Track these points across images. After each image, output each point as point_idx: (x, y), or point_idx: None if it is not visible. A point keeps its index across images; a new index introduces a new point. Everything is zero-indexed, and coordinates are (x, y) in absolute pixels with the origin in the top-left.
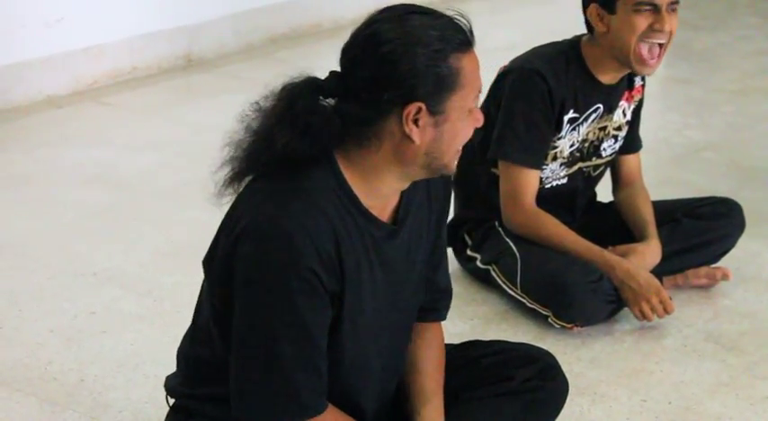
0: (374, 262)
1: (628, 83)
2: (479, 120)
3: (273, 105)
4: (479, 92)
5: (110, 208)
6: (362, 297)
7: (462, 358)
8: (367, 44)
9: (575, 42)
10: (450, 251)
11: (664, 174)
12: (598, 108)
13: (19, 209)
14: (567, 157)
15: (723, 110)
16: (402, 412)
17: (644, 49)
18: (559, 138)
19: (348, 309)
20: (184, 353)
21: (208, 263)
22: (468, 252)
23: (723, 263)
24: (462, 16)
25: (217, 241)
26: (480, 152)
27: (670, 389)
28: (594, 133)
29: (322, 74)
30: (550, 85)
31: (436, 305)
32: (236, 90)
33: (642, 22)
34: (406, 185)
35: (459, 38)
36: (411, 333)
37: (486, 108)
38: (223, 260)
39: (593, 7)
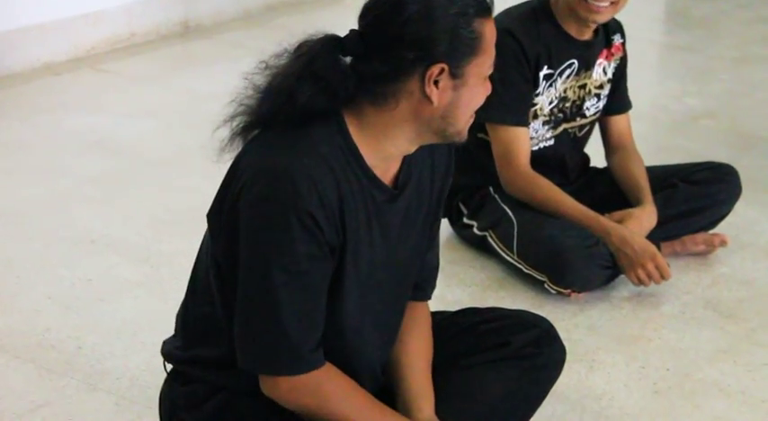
0: (373, 223)
1: (605, 40)
2: (489, 89)
3: (292, 62)
4: (494, 59)
5: (108, 175)
6: (360, 257)
7: (459, 325)
8: (393, 4)
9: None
10: (445, 220)
11: (662, 141)
12: (572, 63)
13: (17, 176)
14: (548, 115)
15: (722, 77)
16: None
17: (587, 5)
18: (537, 95)
19: (348, 266)
20: (183, 314)
21: (213, 214)
22: (465, 220)
23: (721, 229)
24: None
25: (222, 192)
26: None
27: (668, 356)
28: (575, 92)
29: None
30: (522, 42)
31: (422, 284)
32: (235, 57)
33: None
34: (413, 149)
35: (483, 3)
36: (405, 307)
37: None
38: (229, 208)
39: None
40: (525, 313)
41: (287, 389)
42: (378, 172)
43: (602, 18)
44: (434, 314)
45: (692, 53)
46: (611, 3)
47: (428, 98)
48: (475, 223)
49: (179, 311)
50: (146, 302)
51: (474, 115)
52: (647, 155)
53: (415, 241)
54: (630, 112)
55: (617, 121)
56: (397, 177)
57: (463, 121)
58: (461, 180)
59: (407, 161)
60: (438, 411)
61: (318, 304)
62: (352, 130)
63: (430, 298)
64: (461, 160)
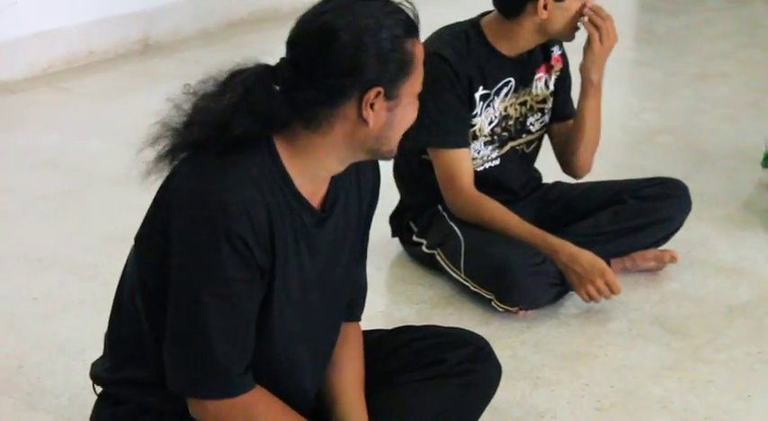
0: (302, 246)
1: (543, 54)
2: (417, 105)
3: (225, 92)
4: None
5: (58, 193)
6: (289, 279)
7: (394, 342)
8: (322, 34)
9: (475, 21)
10: (396, 238)
11: (619, 158)
12: (509, 81)
13: None
14: (489, 135)
15: (681, 93)
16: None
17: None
18: (475, 116)
19: (277, 289)
20: (108, 336)
21: (142, 237)
22: (414, 238)
23: (672, 246)
24: (409, 2)
25: (151, 215)
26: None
27: (613, 373)
28: (516, 109)
29: (277, 59)
30: (453, 64)
31: (351, 304)
32: (195, 75)
33: (577, 2)
34: (342, 169)
35: (411, 23)
36: (338, 330)
37: None
38: (159, 231)
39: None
40: (461, 330)
41: (215, 412)
42: (306, 193)
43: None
44: (370, 332)
45: (654, 69)
46: None
47: (365, 121)
48: (424, 241)
49: (106, 333)
50: (91, 320)
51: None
52: (605, 172)
53: (346, 262)
54: None
55: (561, 127)
56: (324, 199)
57: (395, 140)
58: (410, 199)
59: (334, 183)
60: None
61: (248, 327)
62: (283, 154)
63: (360, 318)
64: (408, 181)
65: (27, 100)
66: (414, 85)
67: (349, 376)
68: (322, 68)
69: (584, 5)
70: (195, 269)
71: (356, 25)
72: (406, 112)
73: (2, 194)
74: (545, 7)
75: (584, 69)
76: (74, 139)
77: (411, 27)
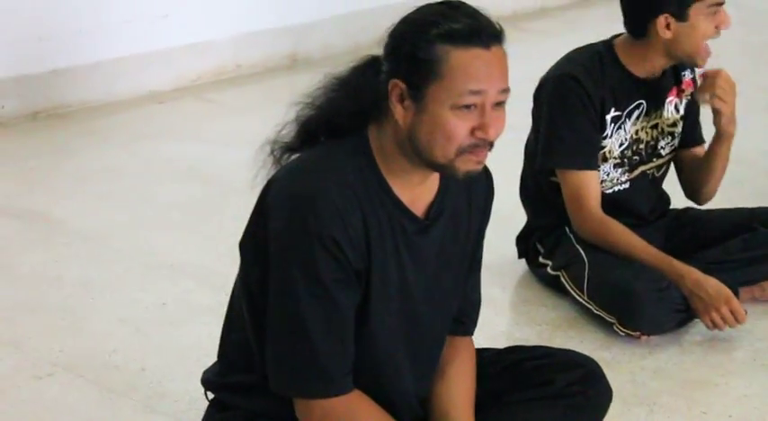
0: (403, 252)
1: (674, 78)
2: (485, 127)
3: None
4: (476, 87)
5: (196, 201)
6: (390, 282)
7: (504, 361)
8: (399, 19)
9: (608, 42)
10: (522, 260)
11: (760, 185)
12: (641, 104)
13: (108, 201)
14: (620, 158)
15: None
16: None
17: (707, 47)
18: (605, 137)
19: (375, 293)
20: (221, 342)
21: (244, 242)
22: (540, 259)
23: None
24: (490, 18)
25: (253, 220)
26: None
27: (732, 403)
28: (647, 132)
29: None
30: (586, 86)
31: (462, 318)
32: None
33: (710, 27)
34: (423, 176)
35: (462, 33)
36: (443, 340)
37: (533, 119)
38: (257, 237)
39: (662, 17)
40: (572, 352)
41: (320, 414)
42: (405, 200)
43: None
44: (482, 350)
45: None
46: None
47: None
48: (549, 263)
49: (220, 340)
50: (215, 328)
51: (463, 148)
52: (742, 199)
53: (454, 274)
54: (733, 155)
55: (689, 155)
56: (429, 208)
57: (436, 150)
58: (537, 220)
59: (442, 192)
60: None
61: (347, 328)
62: (376, 155)
63: (472, 333)
64: (536, 202)
65: (173, 110)
66: (448, 92)
67: (459, 391)
68: (383, 51)
69: (716, 28)
70: (291, 271)
71: (412, 18)
72: (438, 121)
73: (141, 200)
74: (668, 27)
75: (719, 127)
76: (215, 150)
77: (459, 35)
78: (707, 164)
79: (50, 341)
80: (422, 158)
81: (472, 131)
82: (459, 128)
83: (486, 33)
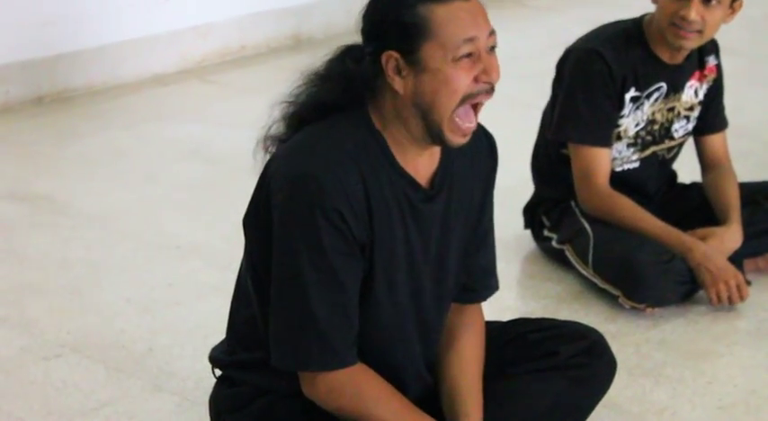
0: (408, 221)
1: (699, 63)
2: (487, 71)
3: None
4: (468, 35)
5: (201, 183)
6: (396, 253)
7: (509, 334)
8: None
9: (638, 21)
10: (527, 233)
11: (764, 157)
12: (661, 87)
13: (114, 182)
14: (634, 137)
15: None
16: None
17: (675, 30)
18: (622, 117)
19: (381, 264)
20: (229, 320)
21: (248, 219)
22: (546, 232)
23: None
24: None
25: (255, 197)
26: (549, 133)
27: (737, 372)
28: (663, 114)
29: None
30: (610, 63)
31: (476, 285)
32: None
33: (672, 4)
34: (427, 145)
35: None
36: (448, 310)
37: (553, 88)
38: (260, 213)
39: None
40: (577, 324)
41: (325, 389)
42: (410, 169)
43: (690, 44)
44: (487, 323)
45: None
46: (698, 31)
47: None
48: (555, 236)
49: (228, 317)
50: (221, 307)
51: (465, 103)
52: (747, 171)
53: (458, 243)
54: (734, 129)
55: (711, 141)
56: (433, 177)
57: (441, 108)
58: (544, 192)
59: (445, 162)
60: (484, 419)
61: (350, 300)
62: (378, 125)
63: (484, 299)
64: (545, 174)
65: (178, 92)
66: (442, 48)
67: (468, 359)
68: (362, 36)
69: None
70: (294, 244)
71: None
72: (441, 78)
73: (147, 183)
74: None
75: None
76: (220, 131)
77: None
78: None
79: (58, 322)
80: (426, 122)
81: (476, 79)
82: (464, 77)
83: None
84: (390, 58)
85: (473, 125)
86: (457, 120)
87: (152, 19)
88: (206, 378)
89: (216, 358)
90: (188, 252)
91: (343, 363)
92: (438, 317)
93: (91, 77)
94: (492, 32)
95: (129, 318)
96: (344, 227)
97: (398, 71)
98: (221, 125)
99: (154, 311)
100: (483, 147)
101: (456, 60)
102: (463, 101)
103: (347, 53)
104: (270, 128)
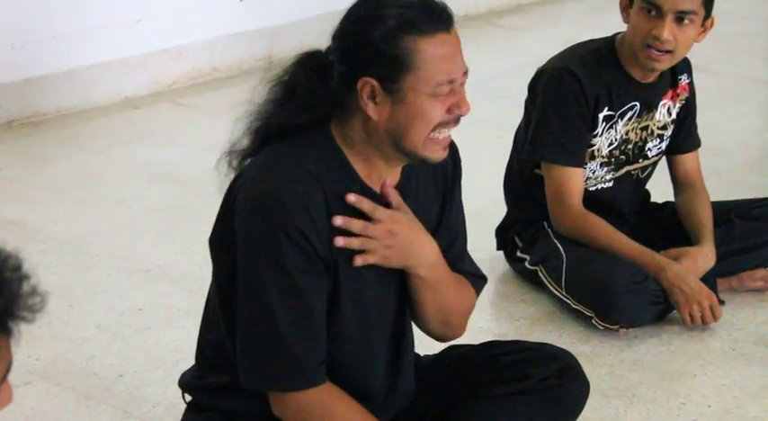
0: None
1: (671, 81)
2: (459, 107)
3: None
4: (450, 77)
5: (172, 206)
6: (361, 271)
7: (480, 357)
8: (342, 18)
9: (610, 40)
10: (500, 253)
11: (736, 176)
12: (634, 106)
13: (85, 207)
14: (607, 157)
15: None
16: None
17: (647, 52)
18: (595, 136)
19: (347, 281)
20: (198, 344)
21: (213, 239)
22: (518, 253)
23: None
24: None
25: (220, 218)
26: (523, 153)
27: (711, 393)
28: (637, 133)
29: None
30: (583, 82)
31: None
32: None
33: (644, 23)
34: (394, 164)
35: (422, 20)
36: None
37: (526, 109)
38: (225, 234)
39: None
40: (549, 346)
41: (295, 408)
42: (375, 185)
43: (661, 66)
44: (458, 347)
45: None
46: (669, 52)
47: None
48: (527, 257)
49: (197, 341)
50: (192, 332)
51: (440, 135)
52: (719, 191)
53: None
54: (707, 147)
55: (684, 160)
56: (398, 189)
57: (414, 138)
58: (517, 213)
59: (406, 177)
60: None
61: (317, 320)
62: (342, 145)
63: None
64: (518, 194)
65: (149, 115)
66: (424, 82)
67: None
68: (334, 55)
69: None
70: (258, 264)
71: (359, 14)
72: (416, 110)
73: (117, 206)
74: (627, 12)
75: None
76: (191, 154)
77: (420, 25)
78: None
79: (27, 349)
80: (402, 150)
81: (448, 110)
82: (438, 110)
83: (444, 15)
84: (367, 85)
85: (450, 134)
86: (433, 137)
87: (122, 41)
88: (177, 404)
89: (185, 383)
90: (158, 276)
91: (311, 383)
92: (407, 336)
93: (61, 101)
94: (466, 72)
95: (99, 344)
96: (309, 246)
97: (373, 97)
98: (193, 148)
99: (124, 337)
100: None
101: (433, 95)
102: (434, 129)
103: (311, 63)
104: (234, 143)
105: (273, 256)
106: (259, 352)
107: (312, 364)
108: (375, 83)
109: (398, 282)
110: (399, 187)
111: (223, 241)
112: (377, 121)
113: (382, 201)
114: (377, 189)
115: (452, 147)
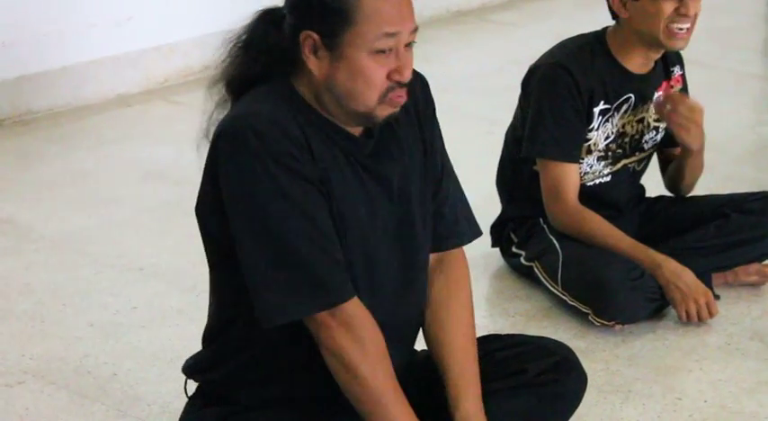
0: (357, 167)
1: (665, 73)
2: (400, 70)
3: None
4: (392, 28)
5: (165, 204)
6: (352, 195)
7: (478, 352)
8: None
9: (600, 34)
10: (497, 250)
11: (730, 170)
12: (629, 98)
13: (77, 205)
14: (604, 151)
15: None
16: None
17: (673, 32)
18: (591, 130)
19: (340, 203)
20: (208, 331)
21: (199, 204)
22: (514, 249)
23: None
24: None
25: (203, 180)
26: (520, 149)
27: (707, 388)
28: (633, 126)
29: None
30: (576, 77)
31: (452, 228)
32: None
33: (668, 6)
34: (351, 120)
35: None
36: (424, 262)
37: (520, 107)
38: (211, 186)
39: None
40: (546, 340)
41: (339, 322)
42: (351, 129)
43: (685, 44)
44: None
45: None
46: (687, 29)
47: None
48: (523, 253)
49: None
50: (186, 330)
51: (385, 96)
52: (713, 185)
53: (421, 192)
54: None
55: (672, 154)
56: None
57: (357, 98)
58: (512, 209)
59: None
60: None
61: (329, 236)
62: (305, 95)
63: (465, 242)
64: (513, 191)
65: (142, 113)
66: (363, 37)
67: (454, 333)
68: (285, 7)
69: (675, 10)
70: (256, 197)
71: None
72: (357, 67)
73: (110, 204)
74: (624, 5)
75: (682, 146)
76: (184, 152)
77: None
78: (679, 172)
79: (20, 348)
80: (342, 108)
81: (388, 75)
82: (378, 72)
83: None
84: (308, 38)
85: (404, 96)
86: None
87: (114, 39)
88: (172, 402)
89: (188, 367)
90: (152, 274)
91: (337, 299)
92: (413, 272)
93: (53, 99)
94: (415, 29)
95: (93, 343)
96: (297, 165)
97: (315, 51)
98: (183, 145)
99: (118, 335)
100: (415, 86)
101: (373, 53)
102: (381, 100)
103: (269, 17)
104: (210, 116)
105: (267, 184)
106: (275, 280)
107: (336, 282)
108: (316, 36)
109: (404, 226)
110: (374, 133)
111: (211, 197)
112: (318, 76)
113: (352, 137)
114: (353, 132)
115: (422, 81)
